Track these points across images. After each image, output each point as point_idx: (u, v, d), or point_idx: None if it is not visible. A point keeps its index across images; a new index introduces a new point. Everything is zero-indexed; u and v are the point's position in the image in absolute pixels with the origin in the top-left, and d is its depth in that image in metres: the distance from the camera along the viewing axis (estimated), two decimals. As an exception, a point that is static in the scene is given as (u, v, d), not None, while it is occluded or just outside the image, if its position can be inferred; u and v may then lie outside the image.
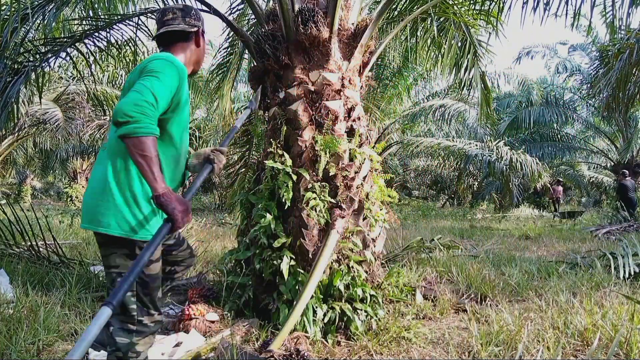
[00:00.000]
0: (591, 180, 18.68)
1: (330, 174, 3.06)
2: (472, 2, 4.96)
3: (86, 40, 4.41)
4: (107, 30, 4.43)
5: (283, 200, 2.96)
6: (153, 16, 4.59)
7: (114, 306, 1.31)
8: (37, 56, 4.30)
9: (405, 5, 5.17)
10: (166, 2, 4.78)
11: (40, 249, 4.55)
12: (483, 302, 3.48)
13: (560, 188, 16.52)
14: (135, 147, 1.44)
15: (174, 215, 1.49)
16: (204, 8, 3.95)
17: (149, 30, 4.70)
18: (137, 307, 1.66)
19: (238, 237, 3.45)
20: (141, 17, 4.56)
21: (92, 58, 4.76)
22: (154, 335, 1.75)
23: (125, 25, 4.50)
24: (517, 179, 11.27)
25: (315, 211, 2.98)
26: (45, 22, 3.98)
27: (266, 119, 3.62)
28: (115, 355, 1.66)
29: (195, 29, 1.86)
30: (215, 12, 3.90)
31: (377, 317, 2.95)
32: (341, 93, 3.25)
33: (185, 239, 2.06)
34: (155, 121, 1.50)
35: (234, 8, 5.55)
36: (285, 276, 2.87)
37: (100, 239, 1.69)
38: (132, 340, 1.65)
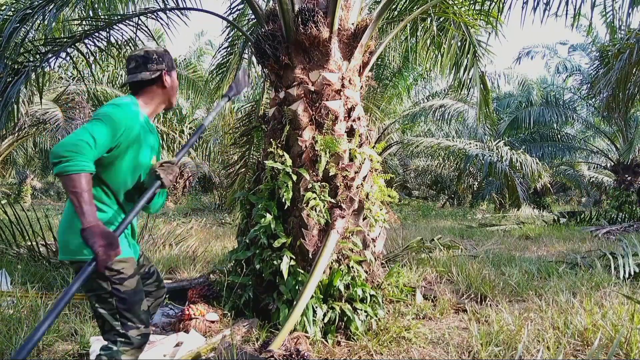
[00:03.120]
0: (591, 180, 18.64)
1: (330, 174, 3.06)
2: (472, 2, 4.96)
3: (86, 40, 4.41)
4: (107, 30, 4.43)
5: (283, 200, 2.96)
6: (153, 16, 4.59)
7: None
8: (37, 56, 4.30)
9: (405, 5, 5.17)
10: (166, 2, 4.79)
11: (40, 249, 4.55)
12: (483, 302, 3.49)
13: None
14: (66, 184, 1.53)
15: (95, 250, 1.51)
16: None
17: (149, 30, 4.71)
18: (120, 324, 1.71)
19: (238, 237, 3.45)
20: (141, 17, 4.57)
21: (92, 58, 4.76)
22: (141, 348, 1.77)
23: (125, 25, 4.50)
24: (517, 178, 11.24)
25: (315, 211, 2.98)
26: (46, 22, 3.98)
27: (266, 119, 3.62)
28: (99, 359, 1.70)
29: (158, 73, 1.90)
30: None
31: (377, 317, 2.95)
32: (341, 93, 3.25)
33: (156, 270, 2.04)
34: (89, 159, 1.57)
35: (233, 8, 5.56)
36: (285, 276, 2.87)
37: (77, 266, 1.70)
38: (118, 349, 1.70)
